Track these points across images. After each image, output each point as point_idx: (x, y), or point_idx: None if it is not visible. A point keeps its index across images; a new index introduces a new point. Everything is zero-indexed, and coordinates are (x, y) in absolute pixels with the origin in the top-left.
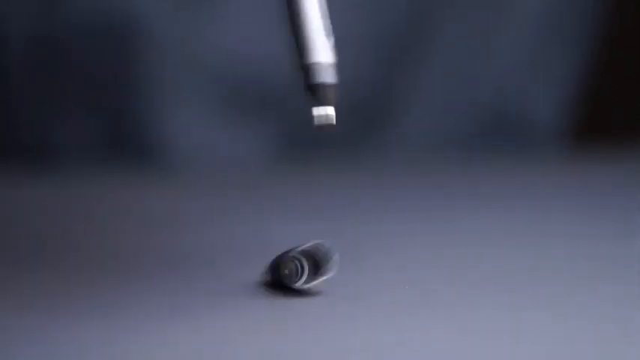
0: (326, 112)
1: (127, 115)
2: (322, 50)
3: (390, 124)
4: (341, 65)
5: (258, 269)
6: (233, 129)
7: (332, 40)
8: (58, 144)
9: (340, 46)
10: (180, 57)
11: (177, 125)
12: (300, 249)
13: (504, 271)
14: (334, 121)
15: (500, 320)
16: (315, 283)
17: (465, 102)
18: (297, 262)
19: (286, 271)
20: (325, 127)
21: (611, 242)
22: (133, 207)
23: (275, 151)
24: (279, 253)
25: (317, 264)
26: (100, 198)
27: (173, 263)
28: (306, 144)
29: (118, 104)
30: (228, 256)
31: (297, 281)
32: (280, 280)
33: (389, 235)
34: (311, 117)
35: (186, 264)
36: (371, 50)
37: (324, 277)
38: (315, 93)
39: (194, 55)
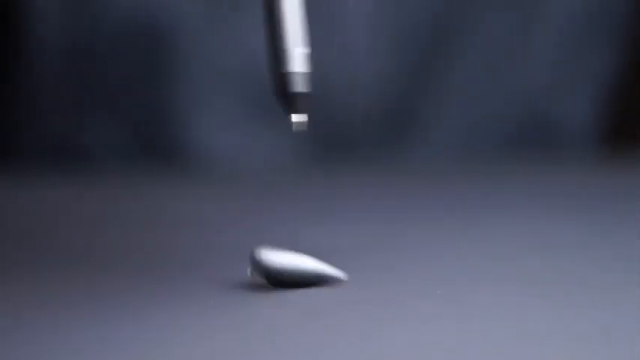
0: (300, 119)
1: (153, 118)
2: (299, 60)
3: (417, 127)
4: (366, 69)
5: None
6: (257, 132)
7: (308, 49)
8: (85, 146)
9: (365, 51)
10: (206, 60)
11: (202, 127)
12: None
13: (529, 275)
14: (306, 128)
15: (521, 324)
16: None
17: (494, 105)
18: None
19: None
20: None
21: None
22: (156, 208)
23: (298, 154)
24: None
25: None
26: (123, 199)
27: (189, 263)
28: (329, 147)
29: (143, 107)
30: (247, 258)
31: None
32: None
33: (409, 238)
34: (339, 126)
35: (202, 264)
36: (397, 53)
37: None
38: (292, 101)
39: (220, 59)
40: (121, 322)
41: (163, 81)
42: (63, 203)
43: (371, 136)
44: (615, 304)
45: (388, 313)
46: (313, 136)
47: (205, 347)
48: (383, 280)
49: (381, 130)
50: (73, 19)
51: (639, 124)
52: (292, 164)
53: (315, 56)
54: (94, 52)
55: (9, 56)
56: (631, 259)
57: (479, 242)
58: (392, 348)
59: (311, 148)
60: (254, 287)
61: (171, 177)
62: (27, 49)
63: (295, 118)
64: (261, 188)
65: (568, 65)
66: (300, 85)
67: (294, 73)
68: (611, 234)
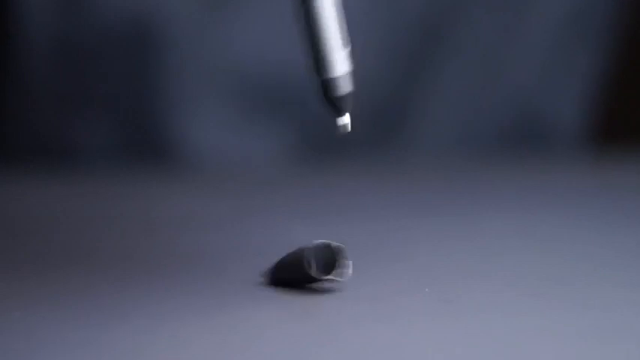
0: (345, 121)
1: (144, 116)
2: (339, 63)
3: (408, 126)
4: (358, 68)
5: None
6: (249, 131)
7: (349, 47)
8: (76, 144)
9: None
10: (198, 59)
11: (194, 127)
12: (311, 248)
13: (521, 272)
14: (349, 128)
15: (516, 322)
16: (323, 278)
17: (485, 104)
18: (306, 261)
19: (296, 266)
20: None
21: (630, 244)
22: (149, 207)
23: (290, 153)
24: (284, 256)
25: (327, 264)
26: (115, 198)
27: (184, 263)
28: (321, 146)
29: (135, 106)
30: (241, 257)
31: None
32: (286, 279)
33: (404, 236)
34: (332, 125)
35: (197, 264)
36: (389, 52)
37: (332, 277)
38: (335, 105)
39: (212, 57)
40: (115, 324)
41: (153, 79)
42: (52, 203)
43: (361, 135)
44: (607, 300)
45: (377, 311)
46: (303, 135)
47: (206, 347)
48: (374, 277)
49: (372, 129)
50: (63, 18)
51: (628, 122)
52: (282, 163)
53: (304, 57)
54: (83, 51)
55: None
56: (622, 256)
57: (471, 240)
58: (378, 345)
59: (301, 147)
60: (252, 287)
61: (162, 176)
62: (15, 47)
63: (340, 121)
64: (252, 187)
65: (557, 64)
66: (343, 88)
67: (337, 77)
68: (601, 231)
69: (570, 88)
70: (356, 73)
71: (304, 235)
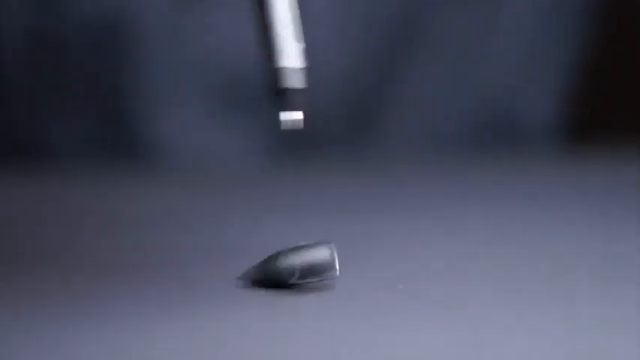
0: (294, 116)
1: (122, 114)
2: (292, 55)
3: (383, 123)
4: (335, 66)
5: (249, 267)
6: (227, 128)
7: (302, 44)
8: (53, 143)
9: (332, 48)
10: (173, 57)
11: (172, 125)
12: (299, 254)
13: (499, 268)
14: (302, 125)
15: (497, 317)
16: (307, 281)
17: (461, 100)
18: (292, 267)
19: (280, 272)
20: (293, 129)
21: (608, 237)
22: (127, 206)
23: (268, 150)
24: (272, 254)
25: (314, 270)
26: (93, 197)
27: (166, 262)
28: (299, 143)
29: (112, 104)
30: (221, 255)
31: (289, 281)
32: (271, 278)
33: (382, 233)
34: (310, 122)
35: (179, 263)
36: (365, 50)
37: (318, 279)
38: (284, 97)
39: (189, 56)
40: (89, 324)
41: (128, 78)
42: (26, 201)
43: (338, 133)
44: (584, 294)
45: (352, 307)
46: (279, 133)
47: (184, 345)
48: (348, 273)
49: (349, 127)
50: (37, 15)
51: (602, 118)
52: (260, 160)
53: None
54: (57, 49)
55: None
56: (599, 250)
57: (446, 235)
58: (352, 341)
59: (277, 145)
60: (236, 285)
61: (137, 174)
62: None
63: (284, 116)
64: (229, 185)
65: (530, 63)
66: (292, 81)
67: (288, 67)
68: (577, 225)
69: (545, 84)
70: (332, 71)
71: (282, 232)
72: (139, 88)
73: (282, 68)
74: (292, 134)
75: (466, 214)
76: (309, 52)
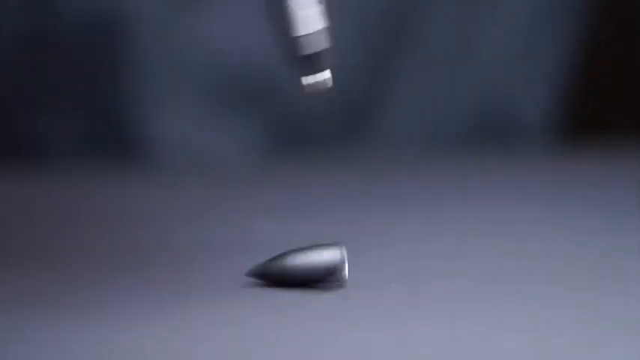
0: (319, 78)
1: (120, 114)
2: (312, 19)
3: (377, 121)
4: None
5: (247, 266)
6: (222, 125)
7: (322, 3)
8: (51, 142)
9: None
10: (166, 55)
11: (171, 124)
12: (310, 257)
13: (498, 266)
14: (331, 83)
15: (497, 316)
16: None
17: (454, 98)
18: (302, 269)
19: (288, 274)
20: (320, 92)
21: (603, 235)
22: (126, 206)
23: (263, 147)
24: (280, 253)
25: (323, 276)
26: (88, 195)
27: (166, 262)
28: (294, 140)
29: (111, 103)
30: (216, 254)
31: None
32: (278, 279)
33: (381, 232)
34: (303, 119)
35: (174, 261)
36: (358, 48)
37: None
38: (310, 63)
39: (183, 52)
40: (87, 322)
41: (122, 75)
42: (20, 200)
43: (334, 133)
44: (580, 292)
45: (344, 306)
46: (274, 129)
47: (186, 345)
48: (348, 273)
49: (342, 123)
50: (30, 12)
51: (594, 114)
52: (253, 157)
53: (276, 51)
54: (50, 47)
55: None
56: (592, 247)
57: (439, 233)
58: (345, 340)
59: (271, 141)
60: (231, 284)
61: (132, 172)
62: None
63: (308, 79)
64: (223, 183)
65: (529, 62)
66: (315, 46)
67: (305, 35)
68: (570, 222)
69: (543, 83)
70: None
71: (276, 230)
72: (138, 88)
73: (302, 36)
74: (290, 130)
75: (464, 212)
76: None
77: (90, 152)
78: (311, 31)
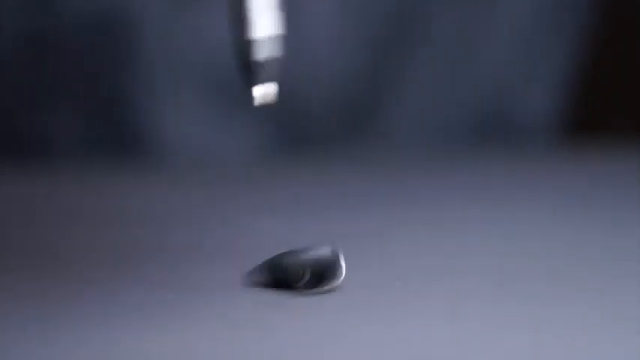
0: (267, 89)
1: (121, 114)
2: (264, 24)
3: (380, 120)
4: (333, 64)
5: (248, 266)
6: (222, 125)
7: (278, 13)
8: (51, 142)
9: (330, 46)
10: (170, 53)
11: (167, 121)
12: (307, 256)
13: (500, 265)
14: (274, 98)
15: (498, 314)
16: (315, 290)
17: (458, 96)
18: (301, 270)
19: (288, 274)
20: (266, 104)
21: (605, 234)
22: (122, 204)
23: (264, 146)
24: (279, 253)
25: (321, 275)
26: (92, 196)
27: (164, 260)
28: (294, 140)
29: (112, 103)
30: (219, 254)
31: (297, 284)
32: (277, 280)
33: (382, 230)
34: (308, 118)
35: (177, 261)
36: (360, 48)
37: (326, 287)
38: (257, 71)
39: (183, 52)
40: (92, 320)
41: (125, 74)
42: (25, 198)
43: (336, 129)
44: (588, 292)
45: (349, 304)
46: (276, 128)
47: (184, 344)
48: (349, 272)
49: (344, 123)
50: (34, 10)
51: (599, 118)
52: (255, 156)
53: (281, 49)
54: (51, 45)
55: None
56: (598, 246)
57: (444, 232)
58: (349, 338)
59: (274, 140)
60: (233, 284)
61: (137, 172)
62: None
63: (257, 91)
64: (227, 182)
65: (529, 59)
66: (264, 52)
67: (257, 39)
68: (576, 221)
69: (544, 82)
70: (331, 69)
71: (279, 230)
72: (139, 88)
73: (253, 40)
74: (293, 130)
75: (466, 211)
76: (307, 51)
77: (92, 152)
78: (263, 37)
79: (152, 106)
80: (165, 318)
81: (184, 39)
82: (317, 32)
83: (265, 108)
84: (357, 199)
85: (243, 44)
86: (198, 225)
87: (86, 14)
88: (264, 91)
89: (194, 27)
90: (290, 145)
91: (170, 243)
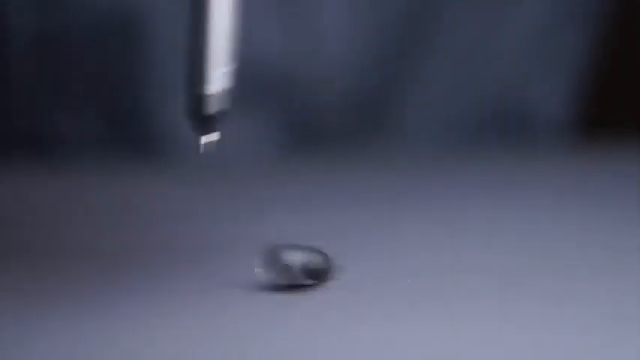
0: (211, 139)
1: (129, 109)
2: (218, 79)
3: (393, 117)
4: (343, 62)
5: (256, 264)
6: (232, 123)
7: (230, 65)
8: (58, 140)
9: (343, 40)
10: (179, 49)
11: (176, 120)
12: (305, 253)
13: (506, 263)
14: (215, 147)
15: (499, 311)
16: (314, 287)
17: (469, 95)
18: (299, 267)
19: (287, 271)
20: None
21: (613, 235)
22: (132, 202)
23: (276, 145)
24: (277, 250)
25: (320, 272)
26: (99, 193)
27: (170, 259)
28: (304, 137)
29: (120, 102)
30: (226, 253)
31: (296, 282)
32: (276, 278)
33: (388, 227)
34: (317, 118)
35: (184, 260)
36: (373, 44)
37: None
38: (208, 122)
39: None
40: (99, 319)
41: (137, 72)
42: (36, 197)
43: (346, 126)
44: (597, 291)
45: (359, 302)
46: (289, 126)
47: (189, 342)
48: (357, 268)
49: (357, 120)
50: (46, 8)
51: (613, 113)
52: (267, 154)
53: (292, 46)
54: (66, 41)
55: None
56: (607, 246)
57: (455, 231)
58: (358, 336)
59: (286, 138)
60: (238, 284)
61: (144, 170)
62: None
63: (205, 140)
64: (239, 180)
65: (542, 55)
66: (215, 106)
67: (210, 95)
68: (586, 221)
69: (553, 78)
70: (339, 64)
71: (287, 229)
72: (147, 86)
73: (208, 95)
74: (301, 129)
75: (474, 209)
76: (318, 50)
77: (100, 150)
78: (217, 91)
79: (160, 105)
80: (166, 318)
81: None
82: (330, 29)
83: (276, 107)
84: (366, 197)
85: (196, 98)
86: (204, 224)
87: (95, 13)
88: (210, 139)
89: None
90: (301, 144)
91: (177, 241)
